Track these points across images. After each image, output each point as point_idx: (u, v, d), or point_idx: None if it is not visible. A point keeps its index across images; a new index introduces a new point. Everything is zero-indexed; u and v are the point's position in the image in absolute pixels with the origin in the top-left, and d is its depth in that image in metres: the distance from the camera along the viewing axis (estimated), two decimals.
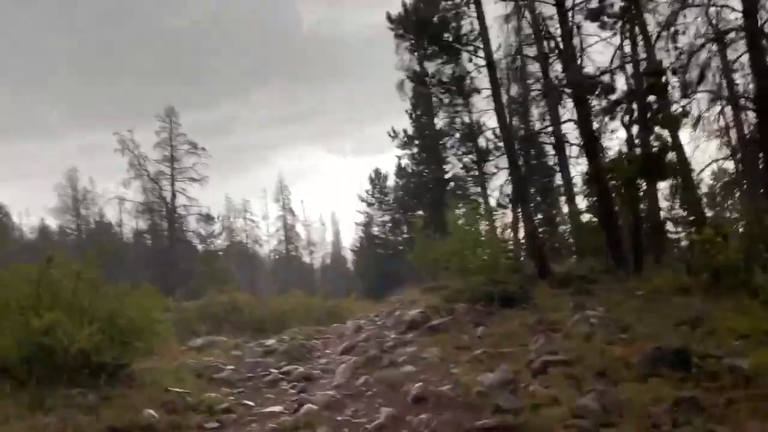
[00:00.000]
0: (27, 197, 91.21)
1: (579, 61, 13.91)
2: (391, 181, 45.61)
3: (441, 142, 27.75)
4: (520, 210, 15.31)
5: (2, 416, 6.69)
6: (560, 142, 20.92)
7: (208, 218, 52.37)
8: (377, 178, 45.37)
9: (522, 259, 14.97)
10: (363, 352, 10.59)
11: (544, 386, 6.83)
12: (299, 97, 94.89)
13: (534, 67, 24.25)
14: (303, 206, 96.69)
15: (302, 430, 6.94)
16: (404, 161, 33.37)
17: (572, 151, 17.97)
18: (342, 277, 69.14)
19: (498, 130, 16.45)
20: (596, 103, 14.27)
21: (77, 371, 8.05)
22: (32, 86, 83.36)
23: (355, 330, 13.55)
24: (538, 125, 24.13)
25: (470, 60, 14.97)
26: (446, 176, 28.63)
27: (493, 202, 25.87)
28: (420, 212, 30.83)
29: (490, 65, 14.45)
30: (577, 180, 23.88)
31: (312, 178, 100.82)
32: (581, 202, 20.40)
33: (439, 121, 30.15)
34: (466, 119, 30.36)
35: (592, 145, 13.87)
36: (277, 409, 8.15)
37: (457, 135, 28.83)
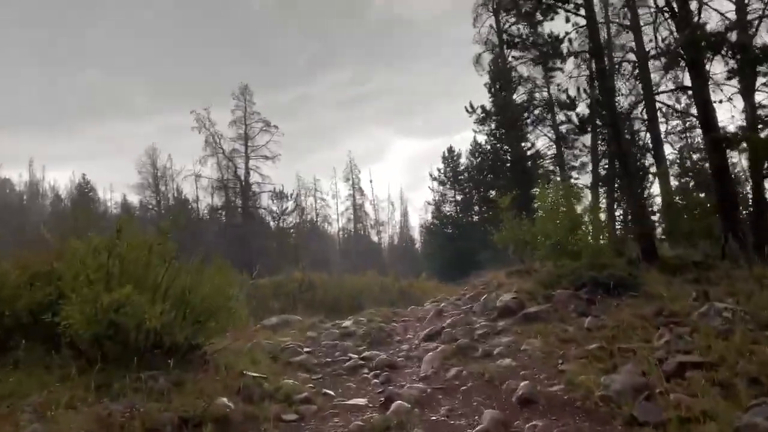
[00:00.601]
0: (112, 174, 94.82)
1: (696, 19, 12.16)
2: (464, 160, 44.33)
3: (523, 117, 26.04)
4: (618, 188, 13.68)
5: (67, 400, 6.06)
6: (654, 115, 19.05)
7: (280, 195, 52.48)
8: (450, 157, 44.07)
9: (624, 241, 13.54)
10: (451, 340, 9.56)
11: (687, 394, 5.59)
12: (369, 78, 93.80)
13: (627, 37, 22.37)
14: (372, 186, 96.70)
15: (394, 430, 5.99)
16: (481, 138, 31.89)
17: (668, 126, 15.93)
18: (409, 257, 68.43)
19: (593, 100, 14.80)
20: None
21: (148, 352, 7.42)
22: (119, 68, 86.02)
23: (437, 314, 12.52)
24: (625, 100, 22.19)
25: (567, 20, 13.43)
26: (528, 152, 26.89)
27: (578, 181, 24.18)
28: (494, 191, 29.29)
29: (592, 24, 12.84)
30: (672, 158, 21.96)
31: (381, 158, 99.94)
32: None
33: (518, 97, 28.48)
34: (545, 93, 28.62)
35: (709, 115, 12.14)
36: (361, 401, 7.24)
37: (538, 110, 27.06)
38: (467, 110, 27.67)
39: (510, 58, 29.76)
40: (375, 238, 72.63)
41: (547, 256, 12.71)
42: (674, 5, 12.23)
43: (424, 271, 37.46)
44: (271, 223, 54.17)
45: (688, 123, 21.49)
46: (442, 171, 44.44)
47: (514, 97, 26.93)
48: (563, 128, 26.64)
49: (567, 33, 13.61)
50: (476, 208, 43.96)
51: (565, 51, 13.64)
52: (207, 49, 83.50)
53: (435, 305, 14.63)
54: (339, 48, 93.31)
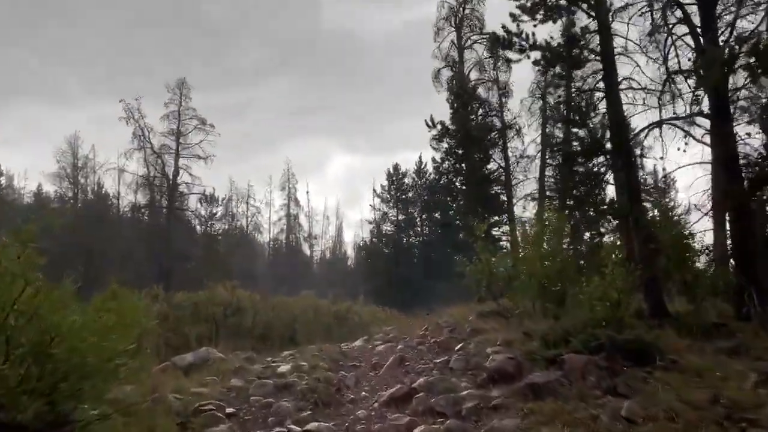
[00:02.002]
0: (32, 162, 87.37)
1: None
2: (408, 180, 42.25)
3: (487, 138, 24.09)
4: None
5: None
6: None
7: (210, 199, 48.71)
8: (395, 174, 41.89)
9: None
10: (428, 413, 7.03)
11: None
12: (314, 91, 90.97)
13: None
14: (308, 197, 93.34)
15: None
16: (434, 156, 29.49)
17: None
18: (342, 273, 65.71)
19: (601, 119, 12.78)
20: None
21: None
22: (52, 49, 79.38)
23: (397, 362, 9.96)
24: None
25: (572, 25, 11.41)
26: (490, 175, 24.82)
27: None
28: (451, 212, 27.18)
29: (605, 31, 10.83)
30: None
31: (319, 171, 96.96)
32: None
33: (476, 117, 26.65)
34: (507, 116, 26.90)
35: (732, 146, 10.30)
36: None
37: (493, 133, 25.29)
38: (427, 125, 25.59)
39: (469, 77, 28.06)
40: (307, 252, 69.51)
41: (531, 297, 10.44)
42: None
43: (361, 294, 34.88)
44: (198, 228, 50.25)
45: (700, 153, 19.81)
46: (385, 188, 42.20)
47: (472, 117, 25.11)
48: (517, 153, 25.05)
49: (580, 33, 11.48)
50: (419, 229, 41.91)
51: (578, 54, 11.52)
52: (149, 43, 78.50)
53: (389, 345, 12.08)
54: (287, 56, 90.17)
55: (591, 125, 12.54)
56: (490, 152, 24.72)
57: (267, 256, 69.09)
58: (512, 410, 6.69)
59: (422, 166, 41.22)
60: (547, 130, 28.81)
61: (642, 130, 11.50)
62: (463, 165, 25.21)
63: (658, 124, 11.52)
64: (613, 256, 7.94)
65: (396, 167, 41.68)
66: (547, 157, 24.65)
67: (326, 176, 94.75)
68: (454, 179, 27.13)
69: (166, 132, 47.78)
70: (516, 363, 7.64)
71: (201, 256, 45.50)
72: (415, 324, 15.40)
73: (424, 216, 40.24)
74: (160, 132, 47.72)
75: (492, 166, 25.15)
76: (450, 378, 8.03)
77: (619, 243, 8.04)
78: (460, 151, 25.19)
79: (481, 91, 26.43)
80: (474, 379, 7.87)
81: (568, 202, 17.85)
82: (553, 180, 29.10)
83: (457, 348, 9.62)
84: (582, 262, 11.39)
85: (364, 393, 8.81)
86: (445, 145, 26.25)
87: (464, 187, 24.29)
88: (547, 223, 11.21)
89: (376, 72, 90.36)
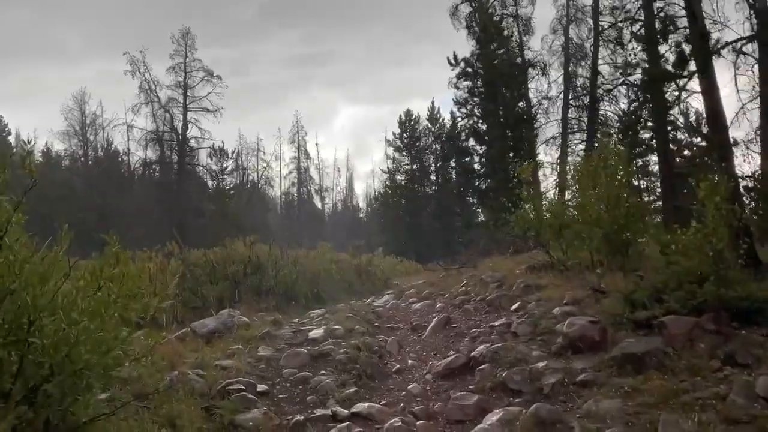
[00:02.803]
0: (38, 120, 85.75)
1: None
2: (422, 126, 40.49)
3: (517, 71, 22.08)
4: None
5: None
6: None
7: (220, 153, 47.24)
8: (407, 121, 40.09)
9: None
10: (500, 392, 5.79)
11: None
12: (320, 40, 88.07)
13: None
14: (318, 149, 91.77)
15: None
16: (459, 95, 27.31)
17: None
18: (354, 226, 64.70)
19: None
20: None
21: None
22: (52, 8, 76.67)
23: (442, 323, 8.72)
24: None
25: None
26: (524, 114, 22.98)
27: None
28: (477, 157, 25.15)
29: None
30: None
31: (327, 123, 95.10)
32: None
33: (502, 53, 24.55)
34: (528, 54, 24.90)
35: None
36: None
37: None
38: (450, 62, 23.68)
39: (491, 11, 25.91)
40: (318, 204, 68.41)
41: (594, 248, 9.06)
42: None
43: (379, 246, 33.69)
44: (209, 183, 48.96)
45: None
46: (398, 136, 40.48)
47: (500, 53, 23.14)
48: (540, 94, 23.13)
49: None
50: (434, 178, 40.40)
51: None
52: None
53: (426, 302, 10.83)
54: (291, 5, 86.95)
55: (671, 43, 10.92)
56: (522, 90, 22.82)
57: (279, 210, 68.05)
58: (607, 387, 5.40)
59: (435, 112, 39.45)
60: (570, 68, 26.78)
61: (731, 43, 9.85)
62: (491, 105, 23.31)
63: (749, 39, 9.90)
64: (716, 197, 6.47)
65: (408, 113, 39.92)
66: (570, 97, 22.82)
67: (334, 128, 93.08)
68: (478, 122, 25.25)
69: (172, 85, 46.14)
70: (601, 329, 6.30)
71: (213, 212, 44.33)
72: (447, 278, 14.17)
73: (439, 164, 38.69)
74: (167, 85, 46.06)
75: (522, 104, 23.31)
76: (517, 346, 6.73)
77: (718, 182, 6.53)
78: (486, 91, 23.31)
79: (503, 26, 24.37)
80: (547, 347, 6.56)
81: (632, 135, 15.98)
82: (576, 121, 27.32)
83: (513, 308, 8.32)
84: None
85: (411, 361, 7.57)
86: (468, 85, 24.43)
87: (492, 130, 22.47)
88: (611, 159, 9.72)
89: (380, 19, 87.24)
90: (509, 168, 20.10)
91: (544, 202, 10.49)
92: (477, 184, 28.59)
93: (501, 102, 22.02)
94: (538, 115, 26.18)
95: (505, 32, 23.81)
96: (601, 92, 21.78)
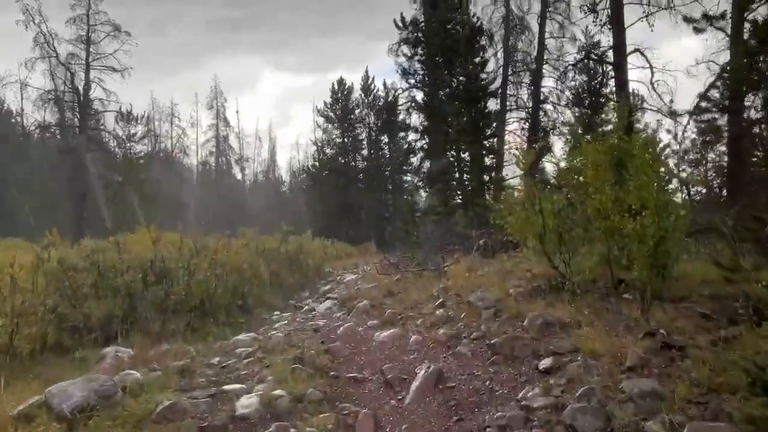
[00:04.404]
0: None
1: None
2: (356, 97, 37.13)
3: (478, 38, 19.22)
4: None
5: None
6: None
7: (128, 117, 41.89)
8: (340, 90, 36.61)
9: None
10: None
11: None
12: (243, 3, 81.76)
13: None
14: (238, 117, 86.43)
15: None
16: (403, 63, 24.06)
17: None
18: (276, 198, 60.81)
19: None
20: None
21: None
22: None
23: (432, 382, 5.89)
24: None
25: None
26: (488, 85, 20.07)
27: None
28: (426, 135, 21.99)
29: None
30: None
31: (249, 90, 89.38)
32: None
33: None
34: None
35: None
36: None
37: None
38: (397, 26, 20.46)
39: None
40: (238, 175, 63.85)
41: (640, 263, 6.45)
42: None
43: (307, 227, 30.42)
44: (117, 151, 43.59)
45: None
46: (329, 106, 36.97)
47: (453, 16, 20.15)
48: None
49: None
50: (367, 153, 37.28)
51: None
52: None
53: (392, 331, 7.94)
54: None
55: None
56: (483, 57, 20.00)
57: (195, 180, 62.94)
58: None
59: (369, 82, 36.25)
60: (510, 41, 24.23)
61: None
62: (446, 75, 20.30)
63: None
64: None
65: (341, 82, 36.41)
66: (544, 61, 20.32)
67: (257, 96, 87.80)
68: (431, 94, 22.19)
69: (73, 39, 40.04)
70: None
71: (120, 182, 39.31)
72: (406, 283, 11.37)
73: (373, 138, 35.67)
74: (67, 39, 39.94)
75: (486, 75, 20.56)
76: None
77: None
78: (441, 58, 20.32)
79: None
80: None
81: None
82: (514, 98, 25.02)
83: (543, 366, 5.56)
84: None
85: None
86: (415, 52, 21.27)
87: (446, 103, 19.58)
88: (638, 146, 7.12)
89: None
90: (468, 148, 17.55)
91: (553, 200, 7.74)
92: (420, 163, 25.91)
93: (461, 71, 19.21)
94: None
95: None
96: (568, 65, 19.47)
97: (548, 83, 24.42)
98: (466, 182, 17.68)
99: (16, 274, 9.23)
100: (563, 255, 7.73)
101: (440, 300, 8.54)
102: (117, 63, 40.26)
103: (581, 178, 7.99)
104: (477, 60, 19.46)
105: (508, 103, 25.02)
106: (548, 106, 24.30)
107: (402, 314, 8.59)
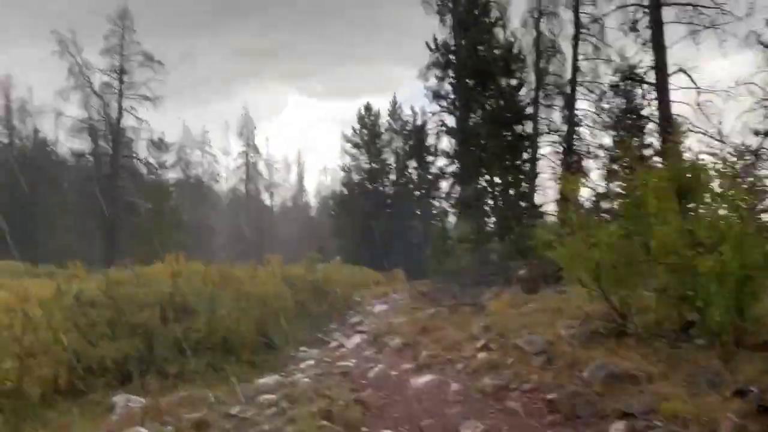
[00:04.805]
0: None
1: None
2: (383, 122, 36.66)
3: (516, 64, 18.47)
4: None
5: None
6: None
7: (160, 145, 42.11)
8: (367, 116, 36.18)
9: None
10: None
11: None
12: (271, 32, 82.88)
13: None
14: (267, 144, 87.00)
15: None
16: (434, 86, 23.42)
17: None
18: (304, 223, 60.54)
19: None
20: None
21: None
22: None
23: None
24: None
25: None
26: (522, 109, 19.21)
27: None
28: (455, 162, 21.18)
29: None
30: None
31: (276, 118, 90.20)
32: None
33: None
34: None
35: None
36: None
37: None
38: (429, 47, 20.01)
39: None
40: (267, 202, 63.79)
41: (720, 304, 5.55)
42: None
43: (335, 254, 29.79)
44: (148, 178, 43.75)
45: None
46: (356, 132, 36.56)
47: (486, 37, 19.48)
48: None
49: None
50: (392, 177, 36.64)
51: None
52: None
53: (432, 378, 7.11)
54: None
55: None
56: (520, 78, 19.18)
57: (225, 206, 63.12)
58: None
59: (396, 107, 35.81)
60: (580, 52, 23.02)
61: None
62: (481, 97, 19.48)
63: None
64: None
65: (368, 108, 36.02)
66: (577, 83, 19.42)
67: (284, 123, 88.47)
68: (465, 116, 21.29)
69: (107, 69, 40.72)
70: None
71: (150, 209, 39.33)
72: (441, 320, 10.54)
73: (402, 163, 35.05)
74: (101, 69, 40.63)
75: (521, 98, 19.77)
76: None
77: None
78: (475, 80, 19.58)
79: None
80: None
81: None
82: (546, 121, 24.09)
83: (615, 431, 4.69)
84: None
85: None
86: (445, 74, 20.65)
87: (481, 126, 18.73)
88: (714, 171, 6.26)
89: (334, 14, 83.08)
90: (507, 172, 16.70)
91: (600, 233, 6.88)
92: (450, 189, 25.13)
93: (496, 93, 18.47)
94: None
95: (492, 16, 20.29)
96: (607, 85, 18.59)
97: (582, 105, 23.54)
98: (502, 209, 16.83)
99: (32, 309, 8.74)
100: (622, 293, 6.84)
101: (482, 341, 7.69)
102: (149, 92, 40.75)
103: (637, 207, 7.13)
104: (513, 82, 18.67)
105: (539, 127, 24.23)
106: (583, 129, 23.44)
107: (440, 356, 7.77)
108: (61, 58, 39.44)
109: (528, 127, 19.43)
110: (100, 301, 9.41)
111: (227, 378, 8.28)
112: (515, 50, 19.17)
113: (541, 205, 15.85)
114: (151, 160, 42.73)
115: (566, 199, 7.54)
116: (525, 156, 18.71)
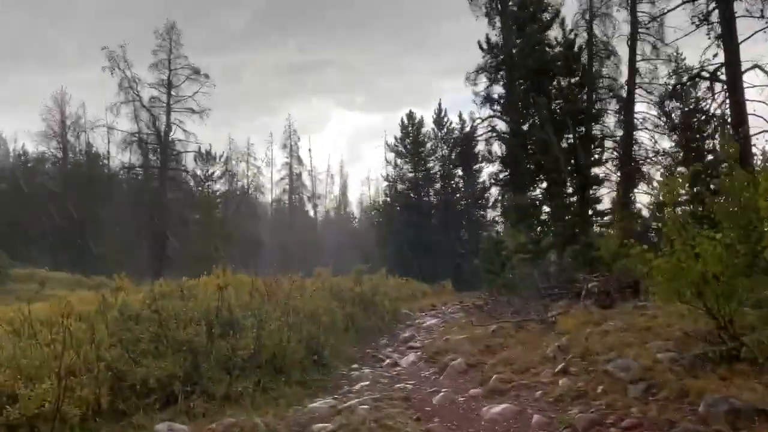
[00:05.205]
0: (23, 125, 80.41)
1: None
2: (427, 130, 35.85)
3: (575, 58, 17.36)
4: None
5: None
6: None
7: (207, 157, 42.42)
8: (410, 123, 35.42)
9: None
10: None
11: None
12: (313, 48, 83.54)
13: None
14: (311, 155, 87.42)
15: None
16: (484, 93, 22.52)
17: None
18: (348, 234, 60.13)
19: None
20: None
21: None
22: (49, 14, 71.36)
23: None
24: None
25: None
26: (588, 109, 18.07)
27: None
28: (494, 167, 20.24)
29: None
30: None
31: (320, 130, 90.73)
32: None
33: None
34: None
35: None
36: None
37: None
38: (481, 47, 19.20)
39: None
40: (311, 212, 63.73)
41: None
42: None
43: (379, 262, 29.05)
44: (195, 190, 44.14)
45: None
46: (399, 140, 35.84)
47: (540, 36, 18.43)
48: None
49: None
50: (437, 186, 35.74)
51: None
52: (137, 6, 70.46)
53: (507, 407, 6.24)
54: (285, 13, 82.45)
55: None
56: (581, 77, 18.04)
57: (269, 217, 63.35)
58: None
59: (442, 115, 34.96)
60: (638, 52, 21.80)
61: None
62: (541, 99, 18.30)
63: None
64: None
65: (411, 116, 35.26)
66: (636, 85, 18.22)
67: (327, 134, 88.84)
68: (520, 121, 20.16)
69: (155, 83, 41.42)
70: None
71: (198, 220, 39.54)
72: (502, 338, 9.63)
73: (448, 172, 34.11)
74: (149, 84, 41.32)
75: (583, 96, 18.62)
76: None
77: None
78: (532, 82, 18.51)
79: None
80: None
81: None
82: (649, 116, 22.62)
83: None
84: None
85: None
86: (497, 76, 19.73)
87: (539, 129, 17.65)
88: None
89: (374, 28, 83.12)
90: (566, 177, 15.65)
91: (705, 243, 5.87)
92: (501, 196, 24.03)
93: (557, 93, 17.44)
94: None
95: (546, 13, 19.25)
96: (675, 86, 17.34)
97: (640, 108, 22.24)
98: (564, 217, 15.70)
99: (74, 324, 8.27)
100: (731, 309, 5.85)
101: (561, 364, 6.78)
102: (196, 105, 41.19)
103: (743, 211, 6.14)
104: (573, 81, 17.56)
105: (593, 132, 23.01)
106: (642, 134, 22.12)
107: (512, 381, 6.88)
108: (113, 75, 40.22)
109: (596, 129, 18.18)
110: (145, 316, 8.86)
111: (278, 399, 7.64)
112: (575, 49, 18.00)
113: (607, 213, 14.67)
114: (198, 172, 43.06)
115: (663, 204, 6.57)
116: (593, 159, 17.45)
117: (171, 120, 41.03)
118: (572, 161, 16.12)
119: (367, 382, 8.40)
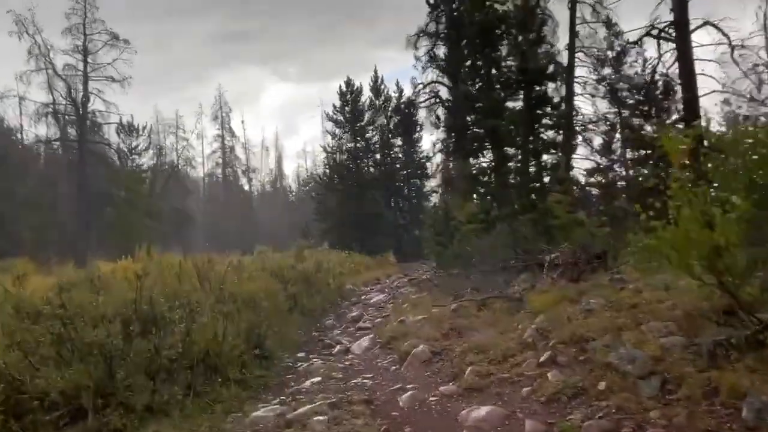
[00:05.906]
0: None
1: None
2: (365, 97, 34.36)
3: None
4: None
5: None
6: None
7: (129, 128, 39.27)
8: (348, 91, 33.81)
9: None
10: None
11: None
12: (245, 16, 79.48)
13: None
14: (244, 127, 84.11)
15: None
16: (425, 57, 21.17)
17: None
18: (284, 208, 58.20)
19: None
20: None
21: None
22: None
23: None
24: None
25: None
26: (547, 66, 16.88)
27: None
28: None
29: None
30: None
31: (253, 102, 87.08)
32: None
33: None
34: None
35: None
36: None
37: None
38: (428, 2, 17.72)
39: None
40: (246, 187, 61.21)
41: None
42: None
43: (320, 235, 27.68)
44: (119, 164, 40.93)
45: None
46: (337, 109, 34.21)
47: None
48: None
49: None
50: (378, 156, 34.54)
51: None
52: None
53: (488, 409, 5.19)
54: None
55: None
56: (541, 33, 16.93)
57: (202, 193, 60.37)
58: None
59: (378, 83, 33.60)
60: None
61: None
62: (495, 54, 16.92)
63: None
64: None
65: (349, 83, 33.61)
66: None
67: (261, 106, 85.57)
68: (468, 81, 18.82)
69: (69, 50, 37.68)
70: None
71: (123, 197, 36.65)
72: (466, 317, 8.64)
73: (387, 141, 32.91)
74: (63, 50, 37.55)
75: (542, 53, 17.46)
76: None
77: None
78: (482, 39, 17.15)
79: None
80: None
81: None
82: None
83: None
84: None
85: None
86: (446, 34, 18.37)
87: (489, 91, 16.42)
88: None
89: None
90: (519, 141, 14.67)
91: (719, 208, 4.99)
92: (444, 164, 22.97)
93: (513, 50, 16.26)
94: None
95: None
96: (625, 45, 16.64)
97: (580, 73, 21.49)
98: (520, 184, 14.81)
99: None
100: (744, 283, 4.98)
101: (546, 352, 5.78)
102: (116, 73, 37.94)
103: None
104: (531, 37, 16.46)
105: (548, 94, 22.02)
106: (582, 100, 21.46)
107: (491, 374, 5.84)
108: (21, 40, 36.28)
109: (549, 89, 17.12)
110: (48, 313, 7.24)
111: (212, 405, 6.34)
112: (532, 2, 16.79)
113: (565, 180, 13.88)
114: (122, 146, 39.90)
115: (667, 163, 5.59)
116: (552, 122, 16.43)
117: (89, 89, 37.60)
118: (525, 125, 15.13)
119: (318, 378, 7.20)
